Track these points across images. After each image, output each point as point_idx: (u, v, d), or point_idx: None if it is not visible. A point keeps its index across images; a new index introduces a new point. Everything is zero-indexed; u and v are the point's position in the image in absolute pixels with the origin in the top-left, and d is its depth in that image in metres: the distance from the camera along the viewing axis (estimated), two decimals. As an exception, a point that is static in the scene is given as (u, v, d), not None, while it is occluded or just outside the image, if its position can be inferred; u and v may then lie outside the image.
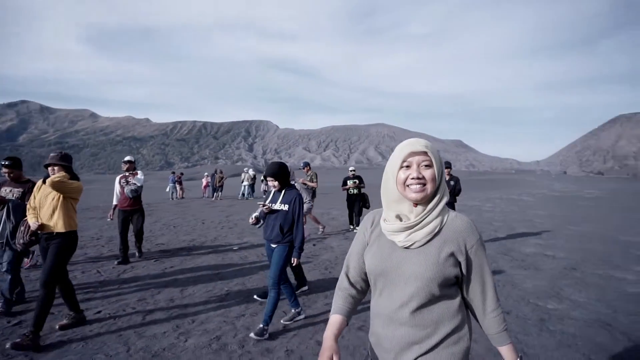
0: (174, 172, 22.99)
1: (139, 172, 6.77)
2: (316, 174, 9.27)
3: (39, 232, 3.78)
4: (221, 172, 21.85)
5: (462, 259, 1.40)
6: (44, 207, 3.77)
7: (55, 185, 3.68)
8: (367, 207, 10.29)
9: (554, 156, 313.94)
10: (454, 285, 1.45)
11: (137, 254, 6.86)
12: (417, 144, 1.43)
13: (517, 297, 4.93)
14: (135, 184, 6.55)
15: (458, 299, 1.45)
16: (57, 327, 3.79)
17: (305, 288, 5.17)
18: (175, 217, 12.80)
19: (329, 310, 4.35)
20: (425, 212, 1.40)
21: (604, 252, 7.70)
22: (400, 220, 1.43)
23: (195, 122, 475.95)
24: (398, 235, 1.42)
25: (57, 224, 3.74)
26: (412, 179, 1.39)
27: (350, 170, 10.69)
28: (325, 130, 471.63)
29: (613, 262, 6.89)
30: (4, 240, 4.33)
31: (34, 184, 4.65)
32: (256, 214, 5.06)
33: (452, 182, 7.83)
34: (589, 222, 12.09)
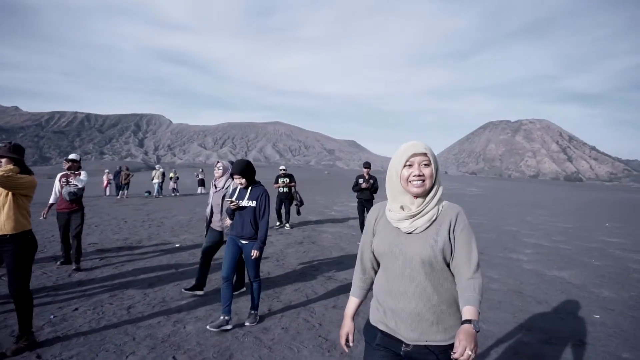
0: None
1: (82, 172, 6.25)
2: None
3: None
4: (127, 169, 20.70)
5: (452, 238, 1.65)
6: None
7: (1, 181, 3.22)
8: (302, 204, 10.84)
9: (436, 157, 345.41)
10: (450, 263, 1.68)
11: (73, 265, 5.95)
12: (418, 147, 1.67)
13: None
14: (76, 185, 6.04)
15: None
16: (7, 353, 3.29)
17: (201, 293, 4.96)
18: (90, 216, 12.02)
19: (304, 299, 4.84)
20: (425, 203, 1.67)
21: (498, 239, 9.33)
22: (403, 210, 1.69)
23: (76, 113, 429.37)
24: (403, 222, 1.68)
25: (6, 226, 3.31)
26: (414, 176, 1.65)
27: (281, 169, 10.92)
28: (222, 127, 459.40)
29: (508, 247, 8.44)
30: None
31: None
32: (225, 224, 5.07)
33: (371, 180, 8.72)
34: (480, 216, 14.19)
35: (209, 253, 4.96)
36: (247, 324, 4.00)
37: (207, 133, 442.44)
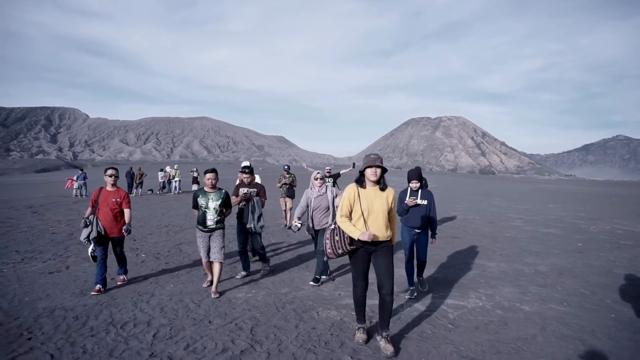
0: (82, 170, 22.55)
1: (256, 176, 6.89)
2: (295, 176, 11.09)
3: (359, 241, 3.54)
4: (140, 169, 22.47)
5: None
6: (376, 215, 3.59)
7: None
8: None
9: (363, 152, 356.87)
10: None
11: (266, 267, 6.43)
12: None
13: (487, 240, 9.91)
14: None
15: None
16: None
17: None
18: (142, 214, 12.94)
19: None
20: None
21: (493, 215, 13.56)
22: None
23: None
24: None
25: (388, 232, 3.65)
26: None
27: (327, 170, 11.31)
28: (145, 122, 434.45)
29: (504, 219, 12.61)
30: (252, 226, 5.48)
31: (262, 186, 5.77)
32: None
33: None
34: (462, 203, 18.49)
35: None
36: (408, 296, 5.06)
37: (129, 128, 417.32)
